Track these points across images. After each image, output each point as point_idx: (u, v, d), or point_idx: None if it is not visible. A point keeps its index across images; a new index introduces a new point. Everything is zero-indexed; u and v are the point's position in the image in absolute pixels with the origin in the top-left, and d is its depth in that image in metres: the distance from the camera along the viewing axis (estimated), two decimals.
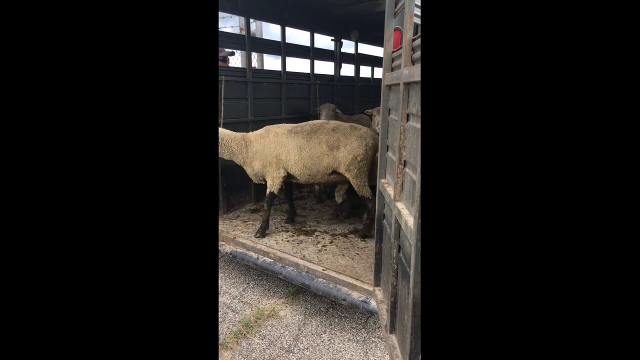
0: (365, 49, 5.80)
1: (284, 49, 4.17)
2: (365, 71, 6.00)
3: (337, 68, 5.10)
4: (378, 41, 5.37)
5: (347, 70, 5.45)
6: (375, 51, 6.02)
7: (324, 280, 2.48)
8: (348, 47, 5.29)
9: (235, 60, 4.94)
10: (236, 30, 5.36)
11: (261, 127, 3.87)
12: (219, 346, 2.32)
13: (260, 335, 2.46)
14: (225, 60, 3.77)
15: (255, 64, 4.99)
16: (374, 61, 6.06)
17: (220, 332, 2.47)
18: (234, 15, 4.61)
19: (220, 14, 3.59)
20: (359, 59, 5.57)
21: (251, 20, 3.81)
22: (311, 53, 4.59)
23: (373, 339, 2.44)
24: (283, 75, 4.18)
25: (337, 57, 5.06)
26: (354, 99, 5.61)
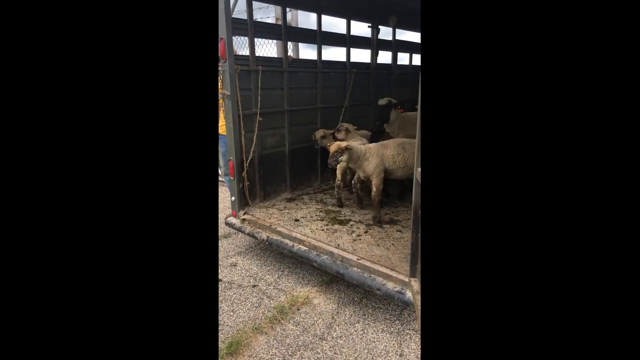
0: (404, 35, 5.61)
1: (320, 38, 4.13)
2: (402, 58, 5.82)
3: (374, 55, 4.98)
4: (418, 27, 5.17)
5: (384, 57, 5.30)
6: (415, 37, 5.82)
7: (359, 270, 2.45)
8: (385, 34, 5.14)
9: (270, 50, 4.97)
10: (272, 21, 5.38)
11: (297, 117, 3.86)
12: (255, 331, 2.38)
13: (294, 321, 2.49)
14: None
15: (290, 53, 4.99)
16: (412, 48, 5.85)
17: (255, 317, 2.53)
18: (270, 5, 4.62)
19: (256, 4, 3.59)
20: (396, 46, 5.40)
21: (287, 9, 3.79)
22: (347, 41, 4.50)
23: (408, 331, 2.39)
24: (319, 64, 4.14)
25: (374, 44, 4.93)
26: (391, 87, 5.46)
